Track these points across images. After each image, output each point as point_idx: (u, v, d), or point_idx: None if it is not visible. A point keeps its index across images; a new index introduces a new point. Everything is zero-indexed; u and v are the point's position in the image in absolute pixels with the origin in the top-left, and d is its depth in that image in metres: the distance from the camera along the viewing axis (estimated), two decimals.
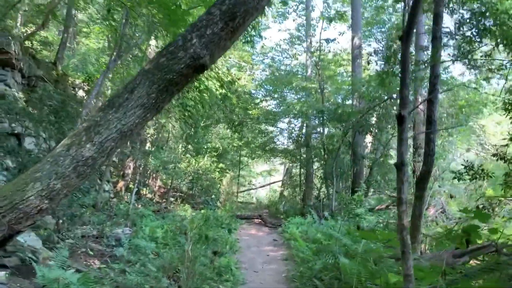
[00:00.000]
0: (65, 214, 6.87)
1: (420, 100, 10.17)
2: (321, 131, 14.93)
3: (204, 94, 13.50)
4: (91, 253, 6.45)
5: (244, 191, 26.65)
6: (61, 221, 6.78)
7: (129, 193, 14.79)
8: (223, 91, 14.35)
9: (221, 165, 17.54)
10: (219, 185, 16.46)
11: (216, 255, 6.71)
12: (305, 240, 8.52)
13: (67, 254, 4.46)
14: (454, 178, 7.16)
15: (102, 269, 5.40)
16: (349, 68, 17.49)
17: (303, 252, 7.47)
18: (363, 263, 4.85)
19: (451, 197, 11.73)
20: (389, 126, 12.44)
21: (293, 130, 18.49)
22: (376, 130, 12.78)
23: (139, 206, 11.95)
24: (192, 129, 12.50)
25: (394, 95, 10.77)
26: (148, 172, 15.88)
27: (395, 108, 11.26)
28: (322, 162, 16.13)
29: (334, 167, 12.58)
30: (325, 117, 12.42)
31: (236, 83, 13.09)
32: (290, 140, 19.29)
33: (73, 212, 6.82)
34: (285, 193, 22.59)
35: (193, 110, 10.99)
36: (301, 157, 18.10)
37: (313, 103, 14.66)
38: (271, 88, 18.90)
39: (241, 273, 6.71)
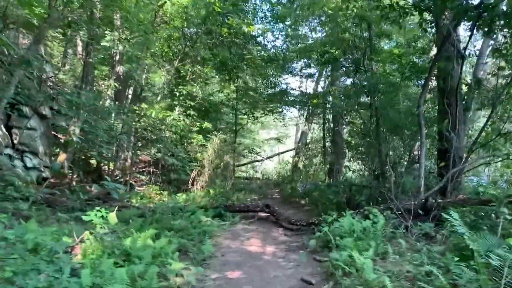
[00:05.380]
0: None
1: None
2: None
3: None
4: None
5: (244, 164, 20.26)
6: None
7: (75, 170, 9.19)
8: None
9: (206, 124, 11.15)
10: (196, 153, 10.05)
11: None
12: None
13: None
14: None
15: None
16: None
17: None
18: None
19: None
20: None
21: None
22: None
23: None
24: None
25: None
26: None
27: None
28: (370, 110, 9.55)
29: (421, 109, 6.03)
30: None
31: None
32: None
33: None
34: (300, 164, 16.58)
35: None
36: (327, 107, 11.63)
37: None
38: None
39: None
